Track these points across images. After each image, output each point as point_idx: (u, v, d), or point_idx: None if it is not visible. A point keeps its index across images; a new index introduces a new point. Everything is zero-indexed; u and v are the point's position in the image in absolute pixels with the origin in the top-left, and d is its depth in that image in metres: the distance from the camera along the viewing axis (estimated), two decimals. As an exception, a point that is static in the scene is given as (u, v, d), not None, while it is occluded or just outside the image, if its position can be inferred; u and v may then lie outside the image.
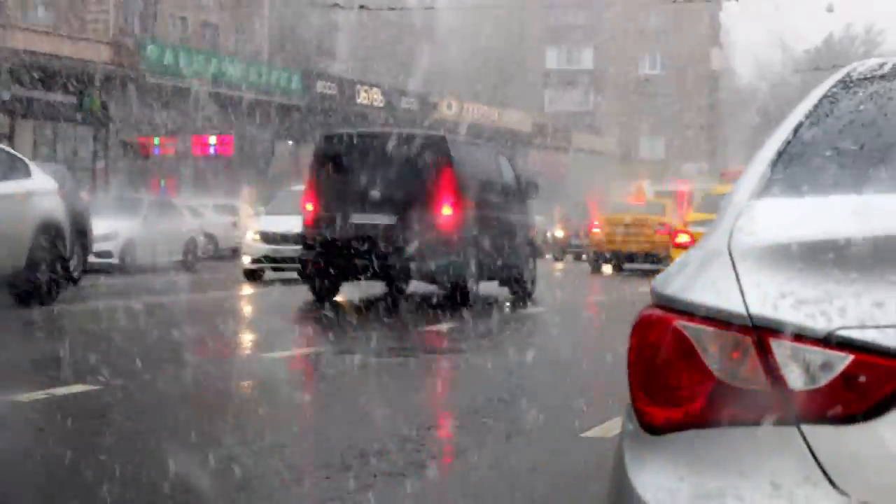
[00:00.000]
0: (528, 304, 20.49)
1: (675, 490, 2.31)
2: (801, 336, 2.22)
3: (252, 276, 25.80)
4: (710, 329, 2.31)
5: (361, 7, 50.73)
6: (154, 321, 14.77)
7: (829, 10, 62.13)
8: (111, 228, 28.22)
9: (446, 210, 18.69)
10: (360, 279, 19.23)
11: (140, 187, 41.60)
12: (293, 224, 24.96)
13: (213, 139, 47.40)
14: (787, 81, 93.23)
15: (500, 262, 20.01)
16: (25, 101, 40.59)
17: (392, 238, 18.41)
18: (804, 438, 2.22)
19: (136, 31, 51.56)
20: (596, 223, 36.81)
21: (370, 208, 18.60)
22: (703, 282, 2.37)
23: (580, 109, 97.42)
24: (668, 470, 2.33)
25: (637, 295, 21.02)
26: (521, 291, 21.17)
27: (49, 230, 16.25)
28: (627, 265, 36.06)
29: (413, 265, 18.47)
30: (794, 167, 2.73)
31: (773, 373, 2.24)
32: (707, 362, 2.30)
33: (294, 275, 25.58)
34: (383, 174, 18.71)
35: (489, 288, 20.71)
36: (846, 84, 3.11)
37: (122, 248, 28.56)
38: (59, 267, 16.47)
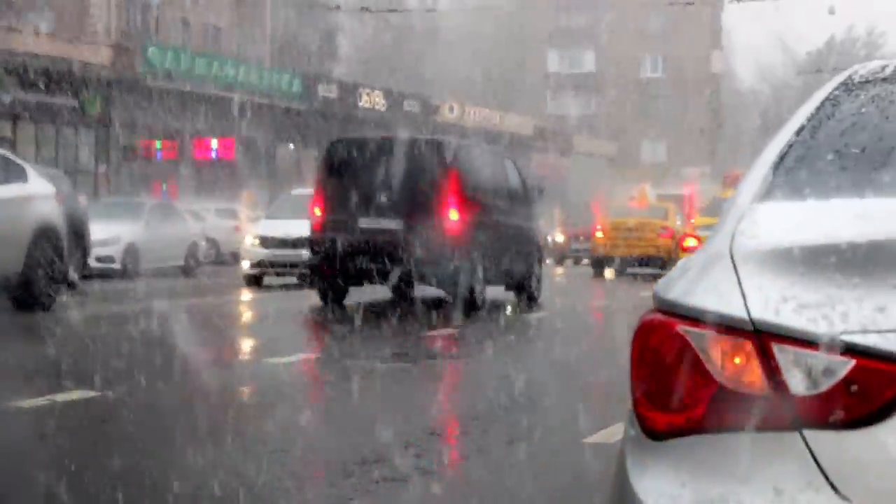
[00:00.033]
0: (534, 308, 20.54)
1: (677, 496, 2.30)
2: (803, 341, 2.22)
3: (252, 280, 25.76)
4: (712, 334, 2.31)
5: (363, 9, 50.79)
6: (153, 326, 14.76)
7: (831, 12, 62.09)
8: (113, 233, 28.23)
9: (453, 215, 18.75)
10: (367, 284, 19.32)
11: (142, 191, 41.65)
12: (293, 228, 24.97)
13: (214, 143, 47.44)
14: (789, 84, 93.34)
15: (506, 267, 20.12)
16: (27, 104, 40.61)
17: (399, 243, 18.47)
18: (806, 443, 2.22)
19: (138, 34, 51.61)
20: (599, 227, 36.82)
21: (378, 213, 18.70)
22: (704, 286, 2.37)
23: (582, 112, 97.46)
24: (670, 475, 2.33)
25: (639, 299, 21.02)
26: (527, 296, 21.27)
27: (46, 234, 16.21)
28: (630, 269, 36.08)
29: (420, 270, 18.54)
30: (796, 170, 2.72)
31: (774, 378, 2.24)
32: (709, 367, 2.30)
33: (294, 279, 25.59)
34: (391, 179, 18.79)
35: (495, 292, 20.79)
36: (848, 87, 3.11)
37: (124, 253, 28.57)
38: (56, 271, 16.43)
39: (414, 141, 19.97)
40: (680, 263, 2.61)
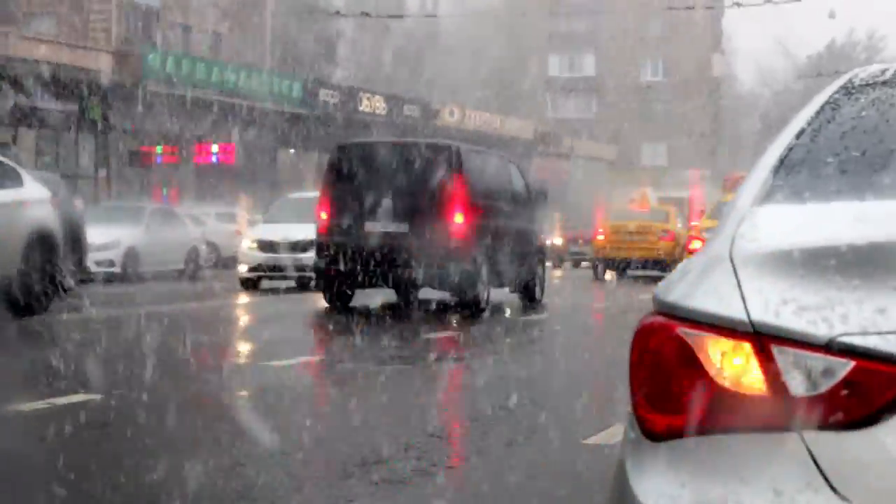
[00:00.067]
0: (536, 309, 20.64)
1: (676, 497, 2.31)
2: (802, 342, 2.22)
3: (249, 284, 25.69)
4: (712, 336, 2.31)
5: (364, 14, 50.79)
6: (148, 330, 14.75)
7: (832, 16, 62.11)
8: (113, 237, 28.25)
9: (458, 218, 18.91)
10: (372, 287, 19.44)
11: (142, 196, 41.65)
12: (291, 232, 24.97)
13: (215, 147, 47.44)
14: (789, 88, 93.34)
15: (510, 270, 20.28)
16: (27, 110, 40.62)
17: (405, 246, 18.61)
18: (806, 445, 2.22)
19: (139, 41, 51.61)
20: (600, 230, 36.86)
21: (383, 217, 18.84)
22: (704, 288, 2.37)
23: (582, 116, 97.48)
24: (670, 477, 2.33)
25: (640, 302, 21.04)
26: (530, 297, 21.49)
27: (41, 239, 16.15)
28: (631, 272, 36.13)
29: (425, 272, 18.67)
30: (797, 174, 2.73)
31: (774, 379, 2.24)
32: (708, 369, 2.30)
33: (292, 283, 25.58)
34: (396, 183, 18.95)
35: (498, 294, 20.92)
36: (848, 90, 3.11)
37: (124, 257, 28.58)
38: (51, 275, 16.39)
39: (419, 145, 20.23)
40: (680, 266, 2.62)
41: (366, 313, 18.52)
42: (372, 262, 18.68)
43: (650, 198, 52.35)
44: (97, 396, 9.06)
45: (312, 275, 24.62)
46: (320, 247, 19.49)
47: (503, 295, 21.38)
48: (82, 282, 24.89)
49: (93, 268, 27.41)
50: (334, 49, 69.19)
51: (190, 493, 6.08)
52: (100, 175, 44.40)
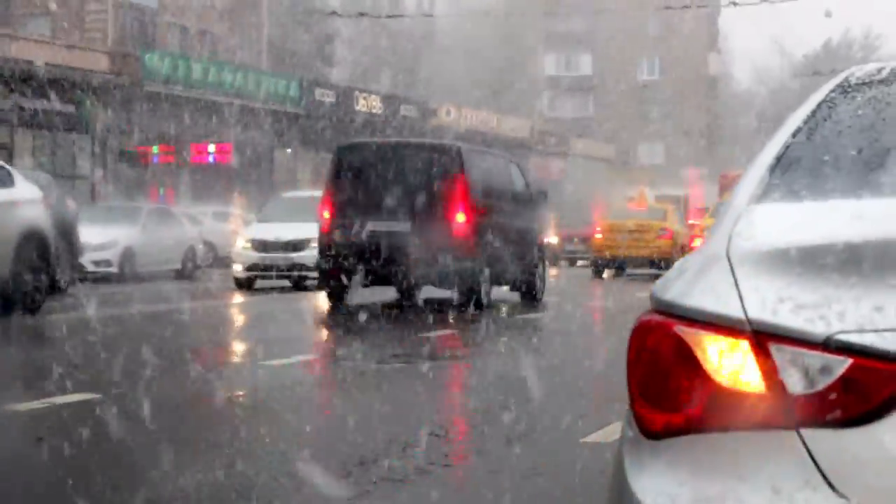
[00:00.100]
0: (537, 308, 20.77)
1: (675, 495, 2.31)
2: (800, 340, 2.23)
3: (244, 284, 25.62)
4: (709, 334, 2.31)
5: (361, 15, 50.78)
6: (146, 330, 14.75)
7: (828, 14, 62.08)
8: (110, 237, 28.23)
9: (460, 217, 19.09)
10: (375, 285, 19.58)
11: (139, 196, 41.61)
12: (284, 231, 24.96)
13: (211, 147, 47.41)
14: (786, 86, 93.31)
15: (511, 268, 20.46)
16: (24, 110, 40.59)
17: (407, 245, 18.76)
18: (804, 442, 2.22)
19: (135, 41, 51.58)
20: (598, 229, 36.89)
21: (386, 216, 18.98)
22: (701, 287, 2.38)
23: (579, 115, 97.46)
24: (668, 475, 2.34)
25: (638, 300, 21.04)
26: (531, 296, 21.67)
27: (33, 239, 16.13)
28: (630, 270, 36.17)
29: (427, 271, 18.88)
30: (793, 172, 2.73)
31: (772, 377, 2.25)
32: (706, 367, 2.30)
33: (287, 283, 25.55)
34: (399, 183, 19.12)
35: (499, 293, 21.07)
36: (844, 89, 3.12)
37: (121, 257, 28.55)
38: (44, 276, 16.37)
39: (422, 145, 20.58)
40: (677, 264, 2.62)
41: (367, 312, 18.55)
42: (374, 261, 18.78)
43: (648, 196, 52.36)
44: (94, 396, 9.05)
45: (307, 274, 24.72)
46: (323, 246, 19.60)
47: (504, 293, 21.49)
48: (80, 281, 24.90)
49: (90, 267, 27.42)
50: (331, 49, 69.15)
51: (189, 493, 6.08)
52: (96, 175, 44.37)
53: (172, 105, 45.52)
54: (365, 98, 57.99)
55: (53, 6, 48.83)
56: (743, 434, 2.27)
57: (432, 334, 15.26)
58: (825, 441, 2.21)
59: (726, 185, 34.74)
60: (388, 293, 20.56)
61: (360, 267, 18.95)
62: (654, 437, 2.38)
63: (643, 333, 2.42)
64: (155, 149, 45.80)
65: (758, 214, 2.54)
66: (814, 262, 2.28)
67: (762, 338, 2.26)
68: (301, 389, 10.56)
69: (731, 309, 2.29)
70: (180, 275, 30.32)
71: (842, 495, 2.19)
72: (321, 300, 21.92)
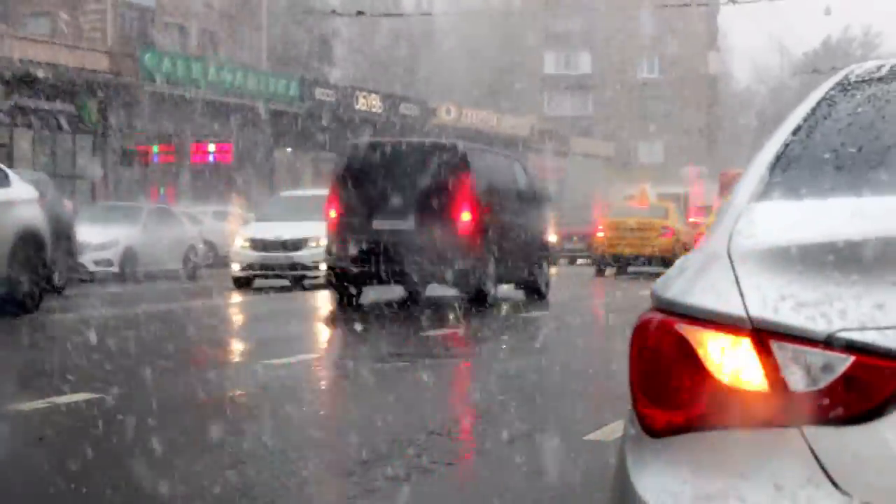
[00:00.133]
0: (541, 306, 20.86)
1: (677, 493, 2.31)
2: (801, 338, 2.23)
3: (242, 283, 25.54)
4: (711, 332, 2.31)
5: (359, 13, 50.75)
6: (144, 330, 14.73)
7: (827, 12, 62.06)
8: (110, 237, 28.23)
9: (465, 216, 19.25)
10: (381, 283, 19.71)
11: (139, 195, 41.60)
12: (283, 231, 24.93)
13: (212, 147, 47.41)
14: (786, 84, 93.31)
15: (516, 266, 20.69)
16: (24, 110, 40.59)
17: (413, 243, 18.90)
18: (806, 440, 2.22)
19: (135, 40, 51.57)
20: (600, 227, 36.91)
21: (392, 214, 19.15)
22: (702, 285, 2.38)
23: (578, 114, 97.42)
24: (670, 473, 2.34)
25: (640, 298, 21.06)
26: (536, 293, 21.83)
27: (29, 239, 16.09)
28: (632, 268, 36.21)
29: (432, 269, 19.05)
30: (793, 170, 2.74)
31: (774, 375, 2.25)
32: (707, 365, 2.30)
33: (286, 282, 25.52)
34: (404, 182, 19.30)
35: (504, 291, 21.20)
36: (844, 87, 3.12)
37: (122, 257, 28.54)
38: (39, 276, 16.34)
39: (427, 145, 20.75)
40: (678, 263, 2.62)
41: (371, 310, 18.58)
42: (381, 259, 18.95)
43: (650, 194, 52.33)
44: (93, 396, 9.05)
45: (306, 273, 24.75)
46: (330, 244, 19.78)
47: (509, 291, 21.57)
48: (81, 281, 24.91)
49: (91, 267, 27.43)
50: (330, 48, 69.15)
51: (191, 492, 6.09)
52: (97, 175, 44.36)
53: (172, 105, 45.51)
54: (365, 97, 57.98)
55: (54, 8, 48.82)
56: (745, 432, 2.27)
57: (436, 333, 15.27)
58: (827, 438, 2.21)
59: (726, 184, 34.72)
60: (395, 291, 20.65)
61: (367, 265, 19.03)
62: (655, 436, 2.38)
63: (644, 332, 2.42)
64: (155, 148, 45.80)
65: (758, 212, 2.54)
66: (815, 259, 2.28)
67: (764, 336, 2.26)
68: (303, 388, 10.56)
69: (733, 307, 2.30)
70: (181, 274, 30.32)
71: (844, 493, 2.19)
72: (321, 299, 21.95)
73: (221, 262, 36.83)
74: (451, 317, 17.34)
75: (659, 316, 2.41)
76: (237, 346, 14.61)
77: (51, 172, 38.55)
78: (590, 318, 20.35)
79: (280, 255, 25.12)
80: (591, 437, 7.72)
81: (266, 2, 60.74)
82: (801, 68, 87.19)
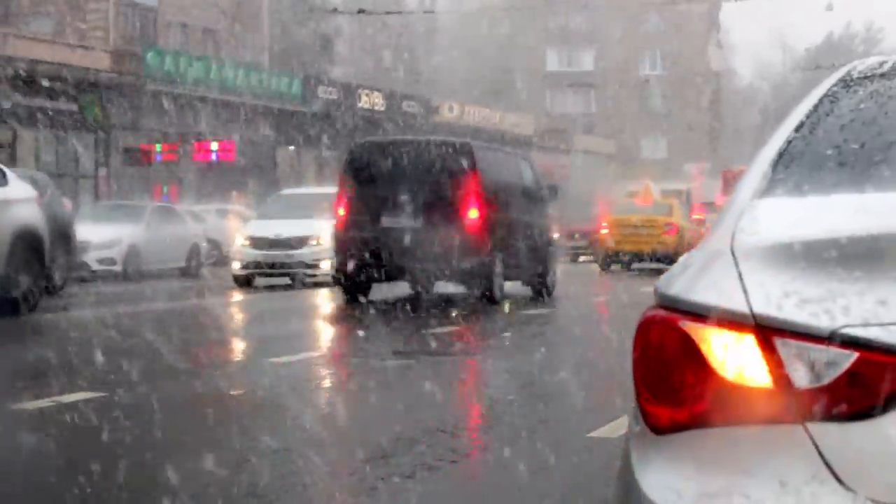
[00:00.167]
0: (547, 303, 20.99)
1: (681, 490, 2.31)
2: (805, 335, 2.23)
3: (243, 281, 25.51)
4: (714, 329, 2.31)
5: (361, 12, 50.74)
6: (144, 328, 14.71)
7: (829, 8, 62.12)
8: (114, 235, 28.26)
9: (472, 213, 19.39)
10: (389, 281, 19.90)
11: (143, 194, 41.61)
12: (283, 229, 24.91)
13: (214, 145, 47.40)
14: (788, 81, 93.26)
15: (523, 263, 20.80)
16: (27, 109, 40.59)
17: (420, 241, 19.00)
18: (810, 436, 2.22)
19: (137, 39, 51.58)
20: (604, 224, 36.98)
21: (400, 212, 19.31)
22: (706, 282, 2.38)
23: (581, 111, 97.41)
24: (675, 469, 2.34)
25: (646, 296, 21.07)
26: (542, 291, 21.90)
27: (26, 238, 16.06)
28: (636, 265, 36.29)
29: (440, 266, 19.18)
30: (796, 166, 2.74)
31: (778, 371, 2.25)
32: (711, 362, 2.31)
33: (287, 280, 25.51)
34: (412, 180, 19.45)
35: (511, 287, 21.26)
36: (846, 83, 3.12)
37: (125, 255, 28.57)
38: (37, 275, 16.32)
39: (434, 143, 20.83)
40: (681, 260, 2.62)
41: (378, 307, 18.61)
42: (388, 257, 19.10)
43: (654, 191, 52.32)
44: (93, 395, 9.05)
45: (306, 271, 24.78)
46: (338, 242, 19.93)
47: (516, 288, 21.63)
48: (84, 280, 24.91)
49: (94, 266, 27.46)
50: (332, 46, 69.14)
51: (196, 490, 6.09)
52: (100, 174, 44.39)
53: (175, 103, 45.51)
54: (367, 95, 57.98)
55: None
56: (749, 429, 2.27)
57: (442, 330, 15.28)
58: (832, 435, 2.21)
59: (729, 181, 34.71)
60: (402, 288, 20.72)
61: (375, 263, 19.19)
62: (660, 432, 2.38)
63: (648, 328, 2.43)
64: (158, 147, 45.78)
65: (761, 209, 2.54)
66: (818, 256, 2.28)
67: (767, 332, 2.26)
68: (307, 386, 10.57)
69: (736, 303, 2.30)
70: (184, 273, 30.35)
71: (849, 489, 2.19)
72: (322, 297, 21.98)
73: (224, 260, 36.87)
74: (460, 314, 17.40)
75: (662, 313, 2.41)
76: (239, 345, 14.61)
77: (54, 171, 38.60)
78: (595, 315, 20.36)
79: (280, 254, 25.08)
80: (596, 433, 7.72)
81: (268, 0, 60.74)
82: (803, 64, 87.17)
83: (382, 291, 20.55)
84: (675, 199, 41.63)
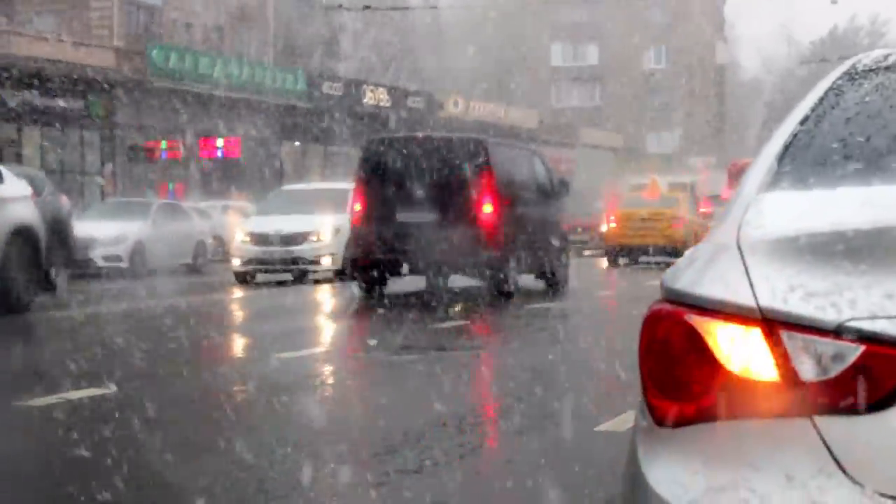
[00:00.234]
0: (560, 296, 21.07)
1: (688, 484, 2.31)
2: (811, 328, 2.23)
3: (243, 278, 25.44)
4: (721, 322, 2.31)
5: (366, 8, 50.75)
6: (145, 325, 14.72)
7: (834, 1, 61.99)
8: (120, 232, 28.29)
9: (486, 208, 19.66)
10: (404, 275, 20.25)
11: (148, 191, 41.65)
12: (284, 224, 24.87)
13: (220, 141, 47.45)
14: (793, 74, 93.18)
15: (536, 257, 21.10)
16: (32, 107, 40.63)
17: (436, 235, 19.26)
18: (817, 430, 2.22)
19: (141, 36, 51.60)
20: (612, 218, 37.01)
21: (415, 207, 19.54)
22: (712, 276, 2.38)
23: (586, 105, 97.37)
24: (682, 463, 2.34)
25: (651, 289, 21.08)
26: (555, 284, 22.14)
27: (22, 236, 16.01)
28: (643, 259, 36.34)
29: (455, 261, 19.50)
30: (802, 160, 2.74)
31: (784, 365, 2.25)
32: (718, 356, 2.31)
33: (288, 276, 25.46)
34: (427, 175, 19.71)
35: (524, 281, 21.42)
36: (852, 76, 3.12)
37: (131, 252, 28.60)
38: (34, 273, 16.29)
39: (448, 139, 21.10)
40: (687, 253, 2.62)
41: (391, 302, 18.64)
42: (404, 251, 19.41)
43: (660, 185, 52.30)
44: (99, 392, 9.06)
45: (307, 267, 24.84)
46: (354, 237, 20.28)
47: (529, 282, 21.77)
48: (89, 276, 24.92)
49: (100, 262, 27.51)
50: (337, 42, 69.13)
51: (204, 486, 6.10)
52: (105, 171, 44.42)
53: (180, 100, 45.54)
54: (372, 91, 57.98)
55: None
56: (755, 422, 2.27)
57: (454, 324, 15.31)
58: (838, 428, 2.21)
59: (735, 174, 34.70)
60: (414, 282, 20.90)
61: (391, 256, 19.51)
62: (666, 427, 2.38)
63: (654, 322, 2.43)
64: (163, 144, 45.83)
65: (767, 203, 2.54)
66: (824, 249, 2.28)
67: (774, 325, 2.26)
68: (314, 382, 10.57)
69: (742, 297, 2.30)
70: (190, 269, 30.39)
71: (856, 482, 2.19)
72: (325, 293, 22.02)
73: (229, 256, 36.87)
74: (473, 307, 17.53)
75: (669, 307, 2.41)
76: (245, 341, 14.60)
77: (59, 169, 38.63)
78: (605, 308, 20.50)
79: (280, 250, 25.00)
80: (604, 427, 7.72)
81: (272, -4, 60.77)
82: (808, 57, 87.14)
83: (395, 285, 20.73)
84: (682, 193, 41.63)
